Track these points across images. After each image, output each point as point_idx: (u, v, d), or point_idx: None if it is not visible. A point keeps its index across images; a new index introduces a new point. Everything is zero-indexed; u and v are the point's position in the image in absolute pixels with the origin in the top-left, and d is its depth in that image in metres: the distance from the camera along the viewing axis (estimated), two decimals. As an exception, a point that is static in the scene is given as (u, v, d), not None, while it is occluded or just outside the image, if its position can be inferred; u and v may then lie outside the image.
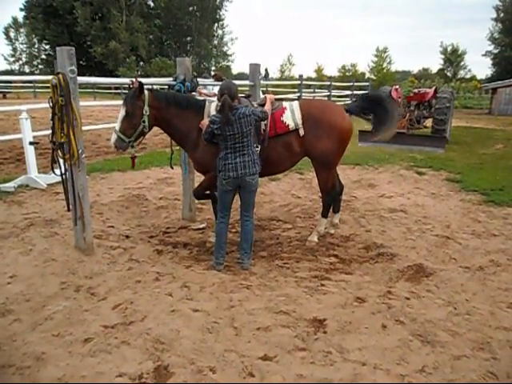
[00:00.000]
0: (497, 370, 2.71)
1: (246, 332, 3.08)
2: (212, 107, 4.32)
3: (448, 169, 8.41)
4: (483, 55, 49.86)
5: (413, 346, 2.93)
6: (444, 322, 3.24)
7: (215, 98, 4.46)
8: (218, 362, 2.75)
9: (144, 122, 4.13)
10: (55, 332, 3.02)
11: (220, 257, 4.16)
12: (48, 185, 6.61)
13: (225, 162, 3.92)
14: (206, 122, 4.08)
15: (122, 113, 4.11)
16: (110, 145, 4.27)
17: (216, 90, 7.99)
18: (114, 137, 4.14)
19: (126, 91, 4.46)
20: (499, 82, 27.21)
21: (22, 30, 57.57)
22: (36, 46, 54.33)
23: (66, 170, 4.06)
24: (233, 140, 3.86)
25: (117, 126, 4.13)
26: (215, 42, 53.17)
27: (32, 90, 30.29)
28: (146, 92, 4.14)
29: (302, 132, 4.40)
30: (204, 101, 4.48)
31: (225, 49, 54.05)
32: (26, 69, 57.31)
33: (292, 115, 4.39)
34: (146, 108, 4.12)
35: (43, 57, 51.97)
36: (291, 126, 4.39)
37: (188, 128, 4.36)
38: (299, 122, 4.39)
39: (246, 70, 5.76)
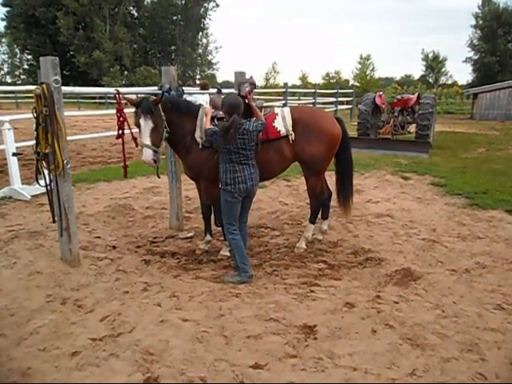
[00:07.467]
0: (485, 371, 2.74)
1: (237, 340, 3.05)
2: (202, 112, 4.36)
3: (432, 173, 8.53)
4: (463, 61, 51.12)
5: (403, 350, 2.95)
6: (433, 324, 3.27)
7: (204, 102, 4.48)
8: (209, 371, 2.72)
9: (165, 127, 4.16)
10: (41, 346, 2.96)
11: (249, 268, 4.09)
12: (32, 196, 6.51)
13: (234, 175, 3.92)
14: (208, 124, 4.06)
15: (148, 125, 3.96)
16: (145, 162, 4.04)
17: (202, 98, 8.06)
18: (148, 152, 3.96)
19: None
20: (480, 87, 27.82)
21: (3, 40, 56.90)
22: (18, 56, 53.74)
23: (50, 180, 4.00)
24: (237, 154, 3.90)
25: (145, 140, 3.96)
26: (200, 50, 53.24)
27: (14, 100, 29.88)
28: None
29: (292, 138, 4.45)
30: (198, 106, 4.52)
31: (209, 57, 54.18)
32: (8, 79, 56.59)
33: (283, 121, 4.45)
34: (162, 113, 4.13)
35: (25, 67, 51.39)
36: (282, 131, 4.44)
37: (183, 132, 4.36)
38: (290, 128, 4.45)
39: (232, 78, 5.78)
